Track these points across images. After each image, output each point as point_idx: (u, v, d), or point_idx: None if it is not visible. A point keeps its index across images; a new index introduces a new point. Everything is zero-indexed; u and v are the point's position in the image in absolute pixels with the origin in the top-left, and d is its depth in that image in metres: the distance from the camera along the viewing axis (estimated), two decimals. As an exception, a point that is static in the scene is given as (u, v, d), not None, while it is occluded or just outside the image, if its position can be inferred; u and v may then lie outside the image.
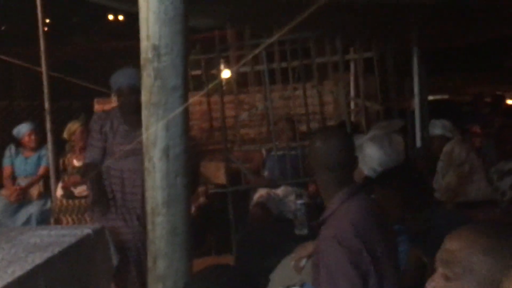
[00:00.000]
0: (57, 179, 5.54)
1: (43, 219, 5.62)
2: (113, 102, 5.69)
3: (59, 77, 7.03)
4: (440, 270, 1.29)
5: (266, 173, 5.36)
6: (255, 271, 3.00)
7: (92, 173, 3.96)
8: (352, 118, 6.67)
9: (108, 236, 3.46)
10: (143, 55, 2.23)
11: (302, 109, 5.24)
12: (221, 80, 5.99)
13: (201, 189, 5.58)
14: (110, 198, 3.93)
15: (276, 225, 4.48)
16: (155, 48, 2.18)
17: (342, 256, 1.88)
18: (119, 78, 3.97)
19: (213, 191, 5.41)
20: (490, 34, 6.99)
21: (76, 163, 5.51)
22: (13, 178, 5.89)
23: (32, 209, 5.68)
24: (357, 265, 1.89)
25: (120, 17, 14.93)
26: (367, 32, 5.64)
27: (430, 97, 9.51)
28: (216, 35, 7.47)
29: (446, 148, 5.05)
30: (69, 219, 5.30)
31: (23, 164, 5.91)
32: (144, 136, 2.29)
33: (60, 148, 5.78)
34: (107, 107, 6.19)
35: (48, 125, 5.49)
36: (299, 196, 4.57)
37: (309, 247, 2.36)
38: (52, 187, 5.58)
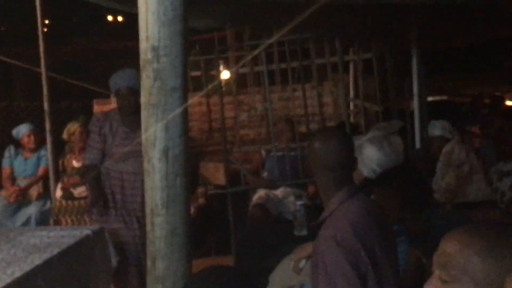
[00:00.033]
0: (57, 180, 5.55)
1: (43, 219, 5.62)
2: (113, 103, 5.70)
3: (59, 78, 7.04)
4: (436, 273, 1.29)
5: (265, 174, 5.36)
6: (254, 272, 3.00)
7: (91, 174, 3.96)
8: (352, 119, 6.67)
9: (108, 237, 3.46)
10: (142, 56, 2.23)
11: (302, 110, 5.24)
12: (220, 81, 5.99)
13: (200, 190, 5.58)
14: (110, 200, 3.94)
15: (276, 226, 4.48)
16: (155, 49, 2.18)
17: (340, 256, 1.88)
18: (118, 80, 3.98)
19: (212, 192, 5.41)
20: (490, 35, 7.00)
21: (75, 164, 5.52)
22: (13, 178, 5.89)
23: (32, 209, 5.68)
24: (356, 266, 1.89)
25: (120, 18, 14.93)
26: (367, 33, 5.64)
27: (430, 98, 9.52)
28: (215, 36, 7.50)
29: (446, 148, 5.06)
30: (69, 220, 5.30)
31: (22, 164, 5.91)
32: (143, 137, 2.29)
33: (60, 149, 5.79)
34: (106, 108, 6.19)
35: (47, 126, 5.49)
36: (298, 197, 4.58)
37: (308, 248, 2.36)
38: (52, 187, 5.59)
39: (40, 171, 5.86)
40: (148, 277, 2.38)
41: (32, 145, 5.88)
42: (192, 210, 4.92)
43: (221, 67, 7.58)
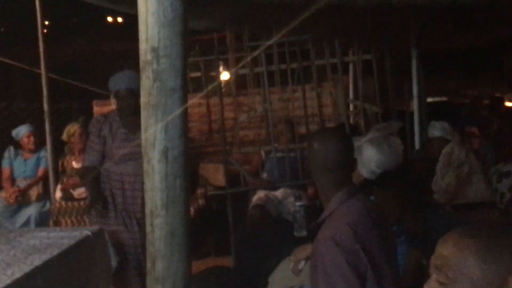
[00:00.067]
0: (56, 180, 5.55)
1: (42, 220, 5.61)
2: (112, 103, 5.70)
3: (59, 79, 7.04)
4: (434, 276, 1.28)
5: (265, 175, 5.36)
6: (254, 273, 3.00)
7: (90, 176, 3.97)
8: (351, 120, 6.67)
9: (107, 238, 3.46)
10: (142, 57, 2.23)
11: (301, 111, 5.24)
12: (220, 82, 5.99)
13: (200, 191, 5.58)
14: (110, 202, 3.93)
15: (275, 227, 4.48)
16: (154, 50, 2.18)
17: (339, 257, 1.89)
18: (117, 81, 3.98)
19: (212, 193, 5.41)
20: (489, 36, 7.00)
21: (75, 164, 5.52)
22: (12, 179, 5.89)
23: (31, 210, 5.68)
24: (355, 266, 1.89)
25: (119, 19, 14.93)
26: (366, 34, 5.65)
27: (429, 99, 9.53)
28: (215, 37, 7.50)
29: (446, 149, 5.05)
30: (68, 221, 5.30)
31: (22, 165, 5.90)
32: (143, 138, 2.29)
33: (59, 149, 5.79)
34: (106, 108, 6.19)
35: (47, 127, 5.50)
36: (298, 198, 4.57)
37: (307, 249, 2.36)
38: (51, 188, 5.59)
39: (40, 172, 5.86)
40: (148, 277, 2.38)
41: (31, 146, 5.88)
42: (192, 211, 4.92)
43: (221, 68, 7.59)
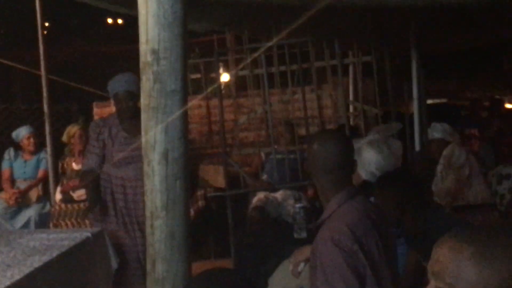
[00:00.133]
0: (56, 182, 5.55)
1: (42, 222, 5.61)
2: (112, 105, 5.70)
3: (59, 80, 7.04)
4: (432, 282, 1.28)
5: (265, 177, 5.37)
6: (253, 275, 3.00)
7: (89, 180, 3.97)
8: (351, 122, 6.68)
9: (108, 240, 3.46)
10: (142, 59, 2.23)
11: (301, 112, 5.25)
12: (220, 84, 5.99)
13: (200, 192, 5.58)
14: (110, 207, 3.93)
15: (275, 229, 4.48)
16: (154, 52, 2.18)
17: (338, 258, 1.89)
18: (116, 84, 3.98)
19: (212, 195, 5.41)
20: (489, 37, 7.00)
21: (75, 166, 5.52)
22: (12, 181, 5.89)
23: (31, 212, 5.68)
24: (354, 267, 1.89)
25: (120, 21, 14.93)
26: (366, 36, 5.65)
27: (429, 101, 9.53)
28: (215, 38, 7.50)
29: (446, 151, 5.06)
30: (68, 223, 5.29)
31: (22, 167, 5.91)
32: (143, 140, 2.29)
33: (59, 151, 5.79)
34: (106, 110, 6.19)
35: (47, 128, 5.50)
36: (298, 199, 4.58)
37: (306, 251, 2.36)
38: (51, 190, 5.59)
39: (40, 173, 5.86)
40: (148, 279, 2.38)
41: (31, 148, 5.88)
42: (192, 212, 4.92)
43: (221, 70, 7.58)
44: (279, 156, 4.99)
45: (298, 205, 3.76)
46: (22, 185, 5.83)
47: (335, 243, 1.91)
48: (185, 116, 2.28)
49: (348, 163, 2.14)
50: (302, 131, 5.38)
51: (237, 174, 5.07)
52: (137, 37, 2.23)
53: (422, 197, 2.90)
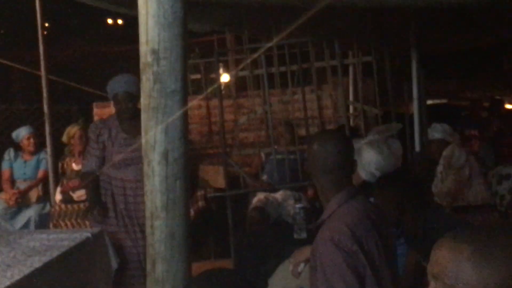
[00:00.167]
0: (56, 182, 5.55)
1: (42, 222, 5.61)
2: (112, 106, 5.70)
3: (59, 81, 7.04)
4: (432, 284, 1.28)
5: (265, 177, 5.36)
6: (253, 275, 3.00)
7: (88, 182, 3.97)
8: (351, 122, 6.67)
9: (108, 240, 3.46)
10: (142, 59, 2.23)
11: (301, 113, 5.25)
12: (220, 84, 5.99)
13: (200, 192, 5.58)
14: (110, 209, 3.93)
15: (275, 229, 4.48)
16: (154, 52, 2.18)
17: (338, 258, 1.89)
18: (115, 85, 3.98)
19: (212, 195, 5.41)
20: (489, 37, 7.00)
21: (75, 166, 5.52)
22: (12, 181, 5.89)
23: (31, 212, 5.68)
24: (354, 267, 1.89)
25: (119, 21, 14.93)
26: (366, 36, 5.64)
27: (429, 101, 9.52)
28: (215, 39, 7.51)
29: (446, 152, 5.06)
30: (68, 224, 5.29)
31: (22, 167, 5.91)
32: (143, 140, 2.29)
33: (59, 151, 5.79)
34: (106, 110, 6.19)
35: (47, 129, 5.50)
36: (298, 200, 4.58)
37: (306, 251, 2.36)
38: (51, 190, 5.59)
39: (40, 174, 5.86)
40: (148, 279, 2.38)
41: (31, 148, 5.88)
42: (192, 213, 4.93)
43: (221, 70, 7.58)
44: (279, 157, 4.98)
45: (298, 206, 3.76)
46: (22, 185, 5.83)
47: (335, 243, 1.91)
48: (185, 117, 2.28)
49: (348, 163, 2.14)
50: (302, 132, 5.37)
51: (237, 174, 5.07)
52: (137, 37, 2.23)
53: (422, 197, 2.91)
